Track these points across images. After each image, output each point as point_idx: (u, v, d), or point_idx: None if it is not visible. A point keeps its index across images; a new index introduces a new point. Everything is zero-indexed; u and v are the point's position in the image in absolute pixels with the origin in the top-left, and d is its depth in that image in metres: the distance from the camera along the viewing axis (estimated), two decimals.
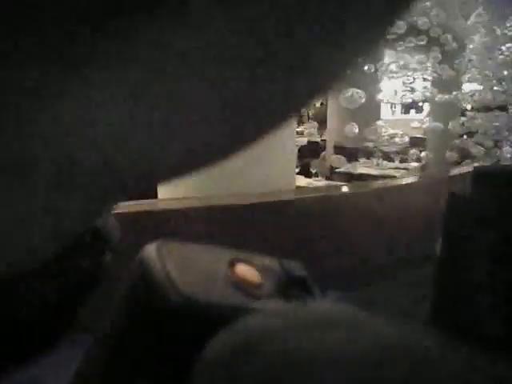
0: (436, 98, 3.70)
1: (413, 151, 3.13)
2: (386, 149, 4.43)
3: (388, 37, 1.74)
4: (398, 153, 4.74)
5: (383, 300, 1.55)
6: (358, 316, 0.20)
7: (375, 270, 1.73)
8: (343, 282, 1.63)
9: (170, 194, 2.09)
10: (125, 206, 1.63)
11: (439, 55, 1.92)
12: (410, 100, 3.76)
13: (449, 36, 2.09)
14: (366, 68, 2.04)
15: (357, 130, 1.96)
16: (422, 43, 1.84)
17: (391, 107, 13.63)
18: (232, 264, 0.26)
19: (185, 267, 0.24)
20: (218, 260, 0.26)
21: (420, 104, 9.88)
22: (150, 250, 0.25)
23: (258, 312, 0.22)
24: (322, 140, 6.86)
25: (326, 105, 10.24)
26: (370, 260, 1.77)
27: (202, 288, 0.24)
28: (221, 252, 0.27)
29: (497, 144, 3.28)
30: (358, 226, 1.76)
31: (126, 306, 0.26)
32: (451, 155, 2.44)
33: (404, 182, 2.61)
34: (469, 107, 4.37)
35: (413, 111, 13.42)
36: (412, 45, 1.80)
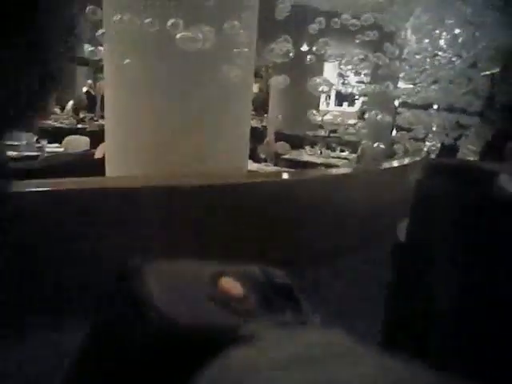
0: (372, 92, 3.91)
1: (364, 142, 3.28)
2: (344, 138, 4.60)
3: (350, 29, 1.82)
4: (354, 143, 4.94)
5: (321, 284, 1.63)
6: (358, 349, 0.20)
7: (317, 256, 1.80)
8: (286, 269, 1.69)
9: (118, 171, 2.02)
10: (72, 183, 1.55)
11: (396, 51, 2.03)
12: (351, 91, 3.91)
13: (403, 33, 2.22)
14: (308, 58, 2.09)
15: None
16: (373, 38, 1.93)
17: (326, 98, 14.10)
18: (216, 278, 0.25)
19: (168, 287, 0.23)
20: (202, 275, 0.25)
21: (355, 97, 10.34)
22: (133, 268, 0.24)
23: (244, 337, 0.22)
24: (262, 126, 7.00)
25: (266, 92, 10.34)
26: (313, 247, 1.84)
27: (186, 309, 0.23)
28: (204, 266, 0.27)
29: (424, 139, 3.55)
30: (309, 213, 1.83)
31: (107, 324, 0.24)
32: (398, 147, 2.60)
33: (346, 171, 2.75)
34: (396, 103, 4.69)
35: (345, 104, 14.03)
36: (367, 39, 1.89)
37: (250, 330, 0.22)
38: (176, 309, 0.22)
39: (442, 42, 2.92)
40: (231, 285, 0.25)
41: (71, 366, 0.25)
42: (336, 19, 1.92)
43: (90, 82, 10.44)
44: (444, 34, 2.85)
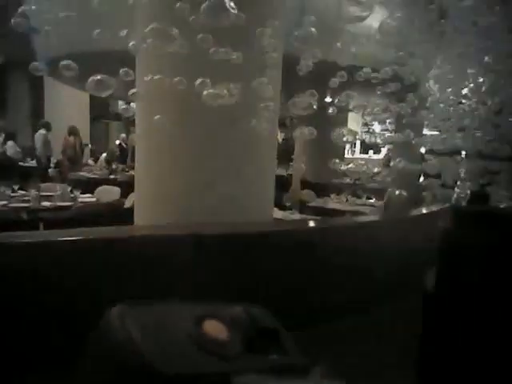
0: (397, 141, 3.92)
1: (389, 190, 3.27)
2: (368, 185, 4.60)
3: (372, 81, 1.87)
4: (379, 190, 4.92)
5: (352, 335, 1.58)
6: None
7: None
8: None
9: (146, 220, 2.07)
10: (102, 232, 1.60)
11: (415, 101, 2.07)
12: (378, 140, 3.95)
13: (427, 84, 2.27)
14: (330, 110, 2.15)
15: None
16: (396, 90, 1.98)
17: (351, 146, 14.19)
18: (199, 321, 0.25)
19: (150, 334, 0.23)
20: (184, 318, 0.25)
21: (379, 145, 10.38)
22: (114, 315, 0.24)
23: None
24: (288, 174, 7.08)
25: (291, 140, 10.52)
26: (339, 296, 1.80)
27: (170, 357, 0.23)
28: (187, 309, 0.27)
29: (453, 186, 3.49)
30: (337, 260, 1.80)
31: (92, 375, 0.24)
32: (427, 195, 2.57)
33: (372, 219, 2.72)
34: (423, 150, 4.68)
35: (371, 151, 14.05)
36: (389, 90, 1.94)
37: (243, 379, 0.22)
38: (161, 357, 0.22)
39: (465, 90, 2.94)
40: (216, 328, 0.25)
41: None
42: (360, 73, 1.98)
43: (123, 135, 10.94)
44: (466, 82, 2.89)
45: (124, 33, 1.45)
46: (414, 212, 2.89)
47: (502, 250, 0.93)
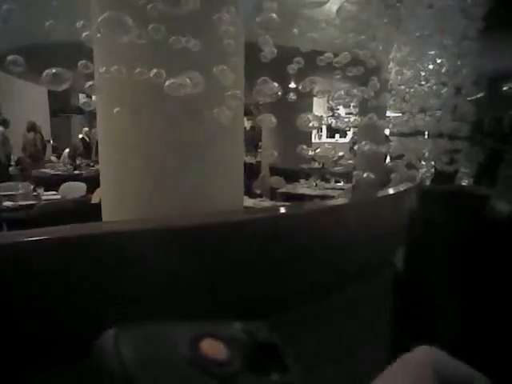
0: (363, 123, 4.00)
1: (356, 172, 3.33)
2: (334, 170, 4.66)
3: (334, 65, 1.89)
4: (344, 174, 5.01)
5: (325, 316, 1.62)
6: None
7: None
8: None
9: (114, 216, 2.03)
10: (68, 230, 1.56)
11: (377, 84, 2.10)
12: (341, 125, 4.00)
13: (387, 66, 2.30)
14: (294, 96, 2.16)
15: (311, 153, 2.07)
16: (358, 73, 2.00)
17: (318, 131, 14.34)
18: (195, 341, 0.24)
19: (145, 358, 0.22)
20: (180, 339, 0.24)
21: (345, 129, 10.53)
22: (108, 339, 0.23)
23: None
24: (256, 162, 7.11)
25: (258, 128, 10.51)
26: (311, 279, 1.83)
27: (165, 381, 0.22)
28: (182, 329, 0.25)
29: (417, 166, 3.59)
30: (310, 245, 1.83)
31: None
32: (394, 176, 2.63)
33: (342, 202, 2.77)
34: (387, 132, 4.80)
35: (337, 135, 14.27)
36: (351, 74, 1.96)
37: None
38: (155, 382, 0.21)
39: (425, 73, 3.01)
40: (213, 348, 0.24)
41: None
42: (321, 57, 2.00)
43: (86, 129, 10.64)
44: (426, 64, 2.96)
45: (80, 24, 1.40)
46: (382, 193, 2.95)
47: (467, 228, 0.96)
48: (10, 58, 1.19)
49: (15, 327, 1.18)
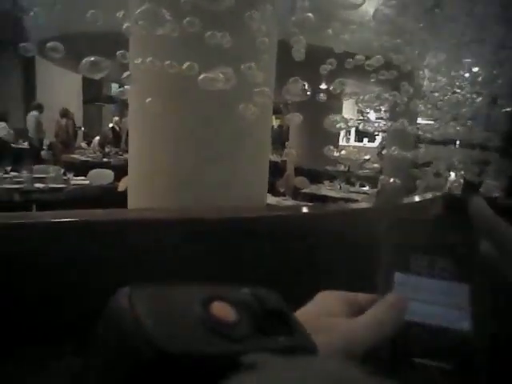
0: (392, 129, 3.95)
1: (381, 177, 3.30)
2: (360, 173, 4.63)
3: (366, 68, 1.87)
4: (373, 178, 4.94)
5: None
6: (360, 376, 0.20)
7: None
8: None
9: (139, 205, 2.08)
10: (93, 214, 1.61)
11: (410, 89, 2.08)
12: (370, 128, 3.96)
13: (420, 72, 2.28)
14: (324, 97, 2.15)
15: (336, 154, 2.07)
16: (391, 77, 1.98)
17: (346, 134, 14.20)
18: (206, 303, 0.25)
19: (157, 315, 0.23)
20: (192, 300, 0.25)
21: (375, 133, 10.39)
22: (122, 297, 0.23)
23: (246, 365, 0.21)
24: (281, 161, 7.09)
25: (286, 127, 10.49)
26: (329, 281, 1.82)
27: (176, 337, 0.22)
28: (194, 291, 0.26)
29: (445, 175, 3.53)
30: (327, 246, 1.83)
31: (101, 355, 0.24)
32: (419, 183, 2.59)
33: (364, 206, 2.74)
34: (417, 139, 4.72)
35: (365, 140, 14.08)
36: (383, 78, 1.94)
37: (251, 358, 0.22)
38: (168, 337, 0.22)
39: (459, 81, 2.96)
40: (223, 310, 0.25)
41: None
42: (352, 59, 1.98)
43: (116, 118, 10.83)
44: (461, 72, 2.90)
45: (120, 14, 1.44)
46: (407, 200, 2.91)
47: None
48: (49, 44, 1.23)
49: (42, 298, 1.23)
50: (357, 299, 0.38)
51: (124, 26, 1.38)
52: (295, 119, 1.54)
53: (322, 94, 2.01)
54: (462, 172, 3.24)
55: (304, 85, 1.50)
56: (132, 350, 0.21)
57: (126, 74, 1.50)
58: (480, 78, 3.00)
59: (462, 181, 3.49)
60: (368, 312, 0.34)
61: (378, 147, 7.50)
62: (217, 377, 0.20)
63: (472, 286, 0.37)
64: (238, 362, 0.22)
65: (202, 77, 1.31)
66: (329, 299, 0.37)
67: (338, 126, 1.80)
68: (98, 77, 1.18)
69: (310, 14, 1.49)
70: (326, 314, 0.32)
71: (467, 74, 2.87)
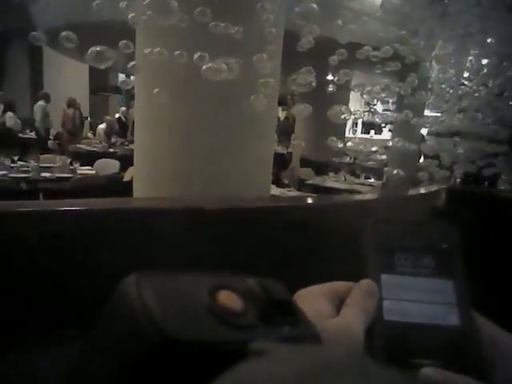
0: (399, 120, 3.92)
1: (386, 169, 3.29)
2: (365, 164, 4.61)
3: (372, 59, 1.86)
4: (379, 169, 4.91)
5: None
6: (367, 363, 0.20)
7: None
8: None
9: (144, 194, 2.10)
10: (99, 203, 1.62)
11: (416, 81, 2.06)
12: (377, 120, 3.94)
13: (426, 64, 2.26)
14: (330, 88, 2.14)
15: (341, 145, 2.06)
16: (396, 69, 1.97)
17: (353, 126, 14.12)
18: (213, 292, 0.25)
19: (165, 302, 0.23)
20: (199, 288, 0.25)
21: (381, 125, 10.33)
22: (129, 284, 0.24)
23: (254, 352, 0.22)
24: (288, 152, 7.08)
25: (292, 119, 10.45)
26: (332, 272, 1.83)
27: (184, 324, 0.22)
28: (201, 279, 0.26)
29: (451, 167, 3.51)
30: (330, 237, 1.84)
31: (107, 342, 0.24)
32: (423, 175, 2.58)
33: (369, 197, 2.75)
34: (424, 131, 4.69)
35: (372, 132, 14.00)
36: (389, 69, 1.93)
37: (259, 345, 0.22)
38: (174, 323, 0.22)
39: (467, 73, 2.93)
40: (230, 299, 0.25)
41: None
42: (360, 50, 1.97)
43: (123, 108, 10.82)
44: (468, 64, 2.87)
45: (124, 4, 1.44)
46: (412, 192, 2.91)
47: (496, 230, 0.96)
48: (63, 34, 1.24)
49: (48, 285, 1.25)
50: (334, 289, 0.39)
51: (129, 16, 1.38)
52: (304, 111, 1.54)
53: (330, 86, 2.00)
54: (466, 164, 3.22)
55: (308, 75, 1.50)
56: (140, 337, 0.22)
57: (132, 63, 1.51)
58: (486, 70, 2.97)
59: (466, 172, 3.47)
60: (349, 302, 0.36)
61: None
62: (223, 364, 0.20)
63: (456, 281, 0.37)
64: (244, 350, 0.22)
65: (205, 67, 1.31)
66: (309, 299, 0.37)
67: (342, 116, 1.80)
68: (103, 66, 1.18)
69: (314, 5, 1.49)
70: (314, 315, 0.32)
71: (474, 66, 2.84)
